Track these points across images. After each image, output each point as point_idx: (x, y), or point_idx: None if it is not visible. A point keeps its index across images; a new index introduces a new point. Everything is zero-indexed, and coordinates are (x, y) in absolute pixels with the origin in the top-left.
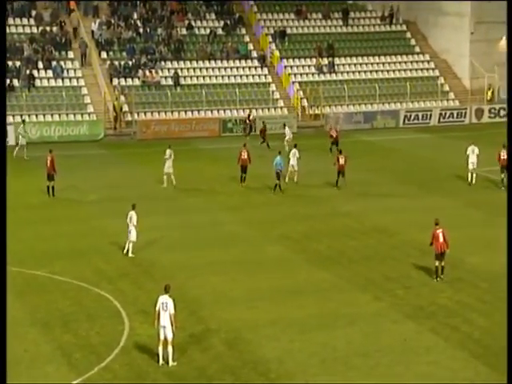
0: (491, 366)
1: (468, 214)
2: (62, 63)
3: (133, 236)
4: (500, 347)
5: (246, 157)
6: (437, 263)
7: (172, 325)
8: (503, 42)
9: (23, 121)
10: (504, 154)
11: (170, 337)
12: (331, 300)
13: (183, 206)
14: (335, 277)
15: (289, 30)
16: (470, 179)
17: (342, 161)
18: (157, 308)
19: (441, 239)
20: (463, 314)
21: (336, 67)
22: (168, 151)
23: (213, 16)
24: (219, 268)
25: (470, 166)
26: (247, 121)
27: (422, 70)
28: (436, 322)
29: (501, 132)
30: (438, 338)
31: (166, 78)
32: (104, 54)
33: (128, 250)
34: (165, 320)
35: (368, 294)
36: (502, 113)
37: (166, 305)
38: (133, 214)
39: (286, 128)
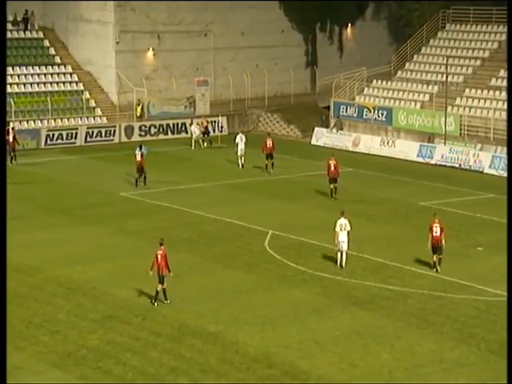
0: None
1: (118, 242)
2: None
3: None
4: None
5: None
6: (159, 287)
7: None
8: (150, 54)
9: None
10: (270, 143)
11: None
12: None
13: None
14: None
15: None
16: (240, 164)
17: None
18: None
19: (159, 260)
20: (116, 354)
21: None
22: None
23: None
24: None
25: (239, 153)
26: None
27: (64, 83)
28: (86, 368)
29: (154, 151)
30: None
31: None
32: None
33: None
34: None
35: (7, 345)
36: (153, 130)
37: None
38: None
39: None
